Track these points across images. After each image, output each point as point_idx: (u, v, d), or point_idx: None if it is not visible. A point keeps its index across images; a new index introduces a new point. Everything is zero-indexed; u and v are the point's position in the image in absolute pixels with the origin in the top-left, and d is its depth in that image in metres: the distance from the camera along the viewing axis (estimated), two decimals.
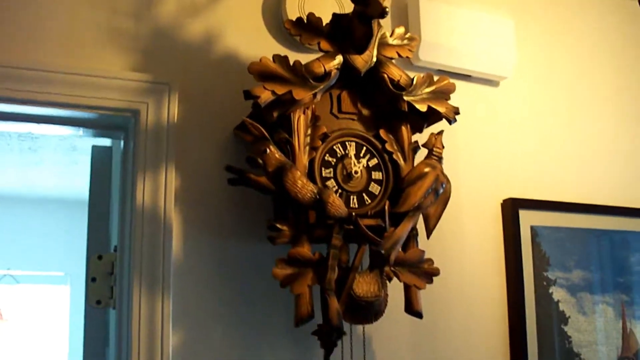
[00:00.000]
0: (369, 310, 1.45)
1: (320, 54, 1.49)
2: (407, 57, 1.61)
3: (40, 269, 5.50)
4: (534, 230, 1.92)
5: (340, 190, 1.49)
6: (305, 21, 1.49)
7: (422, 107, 1.55)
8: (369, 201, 1.51)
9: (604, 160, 2.16)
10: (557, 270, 1.94)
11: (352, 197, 1.50)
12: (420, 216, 1.54)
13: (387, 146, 1.55)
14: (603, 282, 2.02)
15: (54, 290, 5.60)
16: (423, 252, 1.54)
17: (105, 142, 1.84)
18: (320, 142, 1.48)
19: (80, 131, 1.64)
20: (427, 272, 1.54)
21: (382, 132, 1.56)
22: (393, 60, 1.56)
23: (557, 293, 1.93)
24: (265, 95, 1.39)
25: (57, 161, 4.34)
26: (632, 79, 2.30)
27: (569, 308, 1.94)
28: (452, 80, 1.62)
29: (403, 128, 1.57)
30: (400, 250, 1.50)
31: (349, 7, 1.52)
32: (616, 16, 2.32)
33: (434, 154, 1.59)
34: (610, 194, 2.12)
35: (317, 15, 1.50)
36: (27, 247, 5.40)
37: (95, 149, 1.78)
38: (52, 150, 4.06)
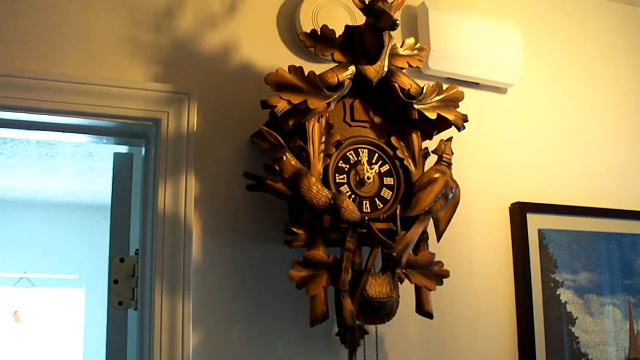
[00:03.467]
0: (381, 311, 1.48)
1: (333, 65, 1.53)
2: (417, 66, 1.65)
3: (55, 272, 5.55)
4: (541, 233, 1.95)
5: (353, 196, 1.52)
6: (319, 33, 1.53)
7: (432, 115, 1.58)
8: (381, 206, 1.55)
9: (610, 164, 2.17)
10: (565, 272, 1.96)
11: (364, 202, 1.53)
12: (431, 220, 1.57)
13: (398, 153, 1.58)
14: (610, 284, 2.04)
15: (69, 293, 5.65)
16: (433, 254, 1.57)
17: (125, 149, 1.89)
18: (334, 149, 1.52)
19: (103, 139, 1.70)
20: (437, 274, 1.57)
21: (393, 139, 1.59)
22: (403, 70, 1.59)
23: (565, 295, 1.95)
24: (282, 105, 1.43)
25: (73, 167, 4.37)
26: (639, 84, 2.32)
27: (577, 309, 1.96)
28: (460, 88, 1.65)
29: (413, 135, 1.61)
30: (411, 252, 1.53)
31: (361, 19, 1.56)
32: (622, 23, 2.33)
33: (444, 160, 1.61)
34: (617, 198, 2.13)
35: (330, 27, 1.54)
36: (43, 250, 5.45)
37: (116, 156, 1.83)
38: (68, 156, 4.09)
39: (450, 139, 1.65)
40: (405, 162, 1.59)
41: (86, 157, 4.11)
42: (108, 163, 1.84)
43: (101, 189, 4.61)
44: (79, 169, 4.43)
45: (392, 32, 1.54)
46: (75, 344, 5.50)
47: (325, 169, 1.50)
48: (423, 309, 1.55)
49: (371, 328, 1.58)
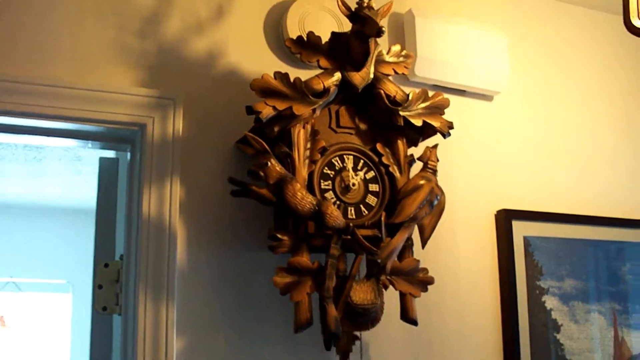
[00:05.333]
0: (365, 317, 1.49)
1: (319, 71, 1.53)
2: (403, 73, 1.65)
3: (42, 277, 5.51)
4: (526, 241, 1.96)
5: (338, 202, 1.52)
6: (305, 39, 1.53)
7: (418, 122, 1.59)
8: (366, 212, 1.55)
9: (595, 172, 2.19)
10: (550, 279, 1.97)
11: (349, 208, 1.54)
12: (416, 227, 1.58)
13: (384, 159, 1.59)
14: (595, 291, 2.05)
15: (56, 298, 5.61)
16: (418, 261, 1.58)
17: (111, 153, 1.89)
18: (320, 156, 1.52)
19: (89, 144, 1.69)
20: (422, 281, 1.57)
21: (378, 146, 1.60)
22: (389, 77, 1.60)
23: (550, 301, 1.95)
24: (267, 111, 1.44)
25: (61, 171, 4.35)
26: (624, 93, 2.33)
27: (562, 316, 1.97)
28: (447, 95, 1.66)
29: (399, 142, 1.61)
30: (396, 259, 1.53)
31: (347, 26, 1.56)
32: (608, 31, 2.34)
33: (429, 167, 1.62)
34: (602, 205, 2.15)
35: (316, 33, 1.54)
36: (30, 255, 5.42)
37: (102, 160, 1.82)
38: (56, 160, 4.07)
39: (435, 146, 1.66)
40: (390, 168, 1.59)
41: (74, 161, 4.09)
42: (96, 167, 1.83)
43: (89, 193, 4.57)
44: (66, 173, 4.41)
45: (378, 39, 1.55)
46: (62, 349, 5.46)
47: (311, 175, 1.50)
48: (408, 316, 1.55)
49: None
